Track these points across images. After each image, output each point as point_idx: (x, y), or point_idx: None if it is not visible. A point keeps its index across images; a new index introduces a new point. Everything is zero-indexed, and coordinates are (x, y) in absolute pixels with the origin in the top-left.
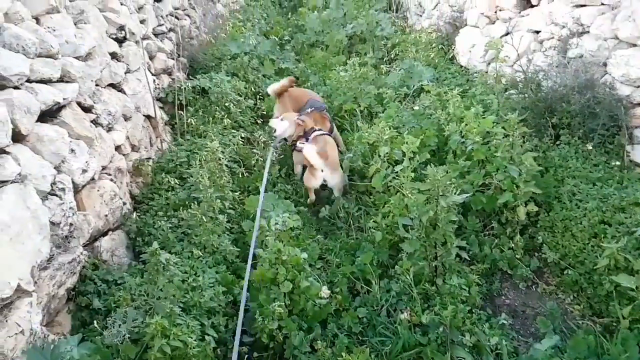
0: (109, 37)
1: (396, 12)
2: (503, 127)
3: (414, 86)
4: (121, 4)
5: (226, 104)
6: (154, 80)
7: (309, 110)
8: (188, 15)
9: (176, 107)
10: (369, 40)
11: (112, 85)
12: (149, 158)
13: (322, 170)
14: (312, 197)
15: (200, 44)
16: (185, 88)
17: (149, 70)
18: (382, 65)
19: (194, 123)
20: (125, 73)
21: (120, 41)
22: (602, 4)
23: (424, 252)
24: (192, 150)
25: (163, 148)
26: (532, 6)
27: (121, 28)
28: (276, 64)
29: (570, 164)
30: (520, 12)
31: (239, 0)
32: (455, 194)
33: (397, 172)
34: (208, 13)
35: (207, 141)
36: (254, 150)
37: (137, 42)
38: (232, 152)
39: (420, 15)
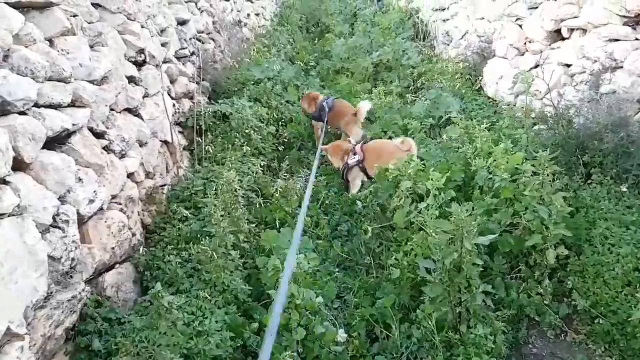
0: (128, 60)
1: (423, 40)
2: (533, 165)
3: (440, 117)
4: (142, 27)
5: (247, 131)
6: (174, 105)
7: None
8: (212, 39)
9: (195, 132)
10: (394, 68)
11: (128, 110)
12: (164, 185)
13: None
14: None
15: (223, 68)
16: (205, 113)
17: (169, 94)
18: (407, 94)
19: (212, 150)
20: (144, 97)
21: (140, 64)
22: (637, 39)
23: (447, 297)
24: (208, 178)
25: (179, 174)
26: (563, 39)
27: (141, 51)
28: (300, 90)
29: (602, 205)
30: (550, 45)
31: (265, 24)
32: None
33: (420, 209)
34: (233, 37)
35: (225, 169)
36: (274, 179)
37: (157, 65)
38: (251, 181)
39: (448, 44)
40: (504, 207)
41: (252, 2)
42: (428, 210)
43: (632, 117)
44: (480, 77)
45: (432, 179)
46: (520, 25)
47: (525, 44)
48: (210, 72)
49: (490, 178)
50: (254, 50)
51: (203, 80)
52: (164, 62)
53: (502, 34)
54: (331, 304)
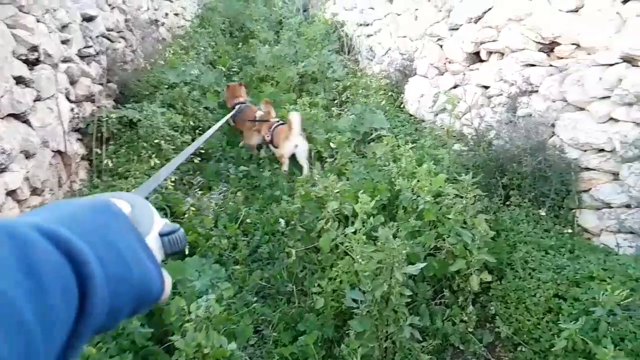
0: (17, 58)
1: (348, 54)
2: (455, 188)
3: (365, 133)
4: (38, 21)
5: (156, 140)
6: (72, 109)
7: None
8: (123, 38)
9: (94, 140)
10: (320, 80)
11: (13, 116)
12: None
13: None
14: (286, 166)
15: (135, 70)
16: (109, 119)
17: (68, 98)
18: (332, 107)
19: (112, 162)
20: (35, 101)
21: (32, 63)
22: (551, 65)
23: (374, 332)
24: None
25: (74, 189)
26: (482, 61)
27: (34, 48)
28: (222, 96)
29: (521, 228)
30: (469, 66)
31: (185, 25)
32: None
33: (347, 234)
34: (147, 37)
35: (128, 184)
36: (187, 196)
37: (54, 65)
38: (159, 198)
39: (371, 60)
40: (427, 229)
41: (171, 2)
42: (355, 234)
43: (547, 141)
44: (402, 94)
45: (360, 202)
46: (441, 46)
47: (445, 64)
48: (119, 74)
49: (414, 199)
50: (170, 51)
51: (110, 82)
52: (64, 61)
53: (423, 52)
54: (247, 342)
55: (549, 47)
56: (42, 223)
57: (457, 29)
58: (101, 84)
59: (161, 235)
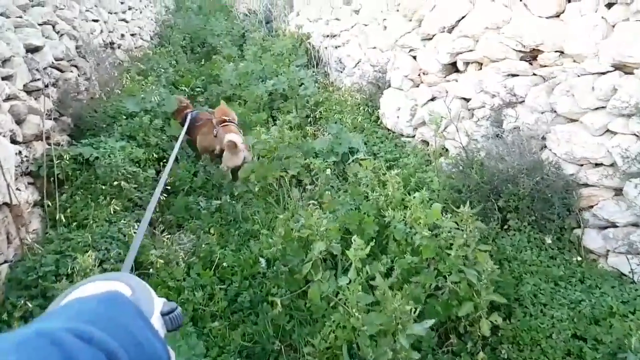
0: None
1: (316, 67)
2: (455, 222)
3: (345, 154)
4: None
5: (116, 182)
6: (20, 152)
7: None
8: (75, 66)
9: (45, 184)
10: (291, 97)
11: None
12: (4, 263)
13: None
14: (230, 176)
15: (91, 98)
16: (62, 160)
17: (14, 139)
18: (307, 126)
19: (68, 209)
20: None
21: None
22: (535, 74)
23: None
24: (63, 252)
25: (25, 246)
26: (459, 71)
27: None
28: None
29: (525, 257)
30: (445, 77)
31: (143, 45)
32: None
33: (340, 285)
34: (102, 62)
35: (87, 235)
36: (154, 239)
37: None
38: (122, 246)
39: (341, 72)
40: (425, 265)
41: (126, 22)
42: (351, 287)
43: (541, 158)
44: (377, 108)
45: (353, 247)
46: (414, 57)
47: (419, 75)
48: (73, 106)
49: (408, 232)
50: (127, 78)
51: (62, 115)
52: (7, 99)
53: (395, 64)
54: None
55: (531, 55)
56: (73, 325)
57: (430, 39)
58: (53, 119)
59: (162, 314)
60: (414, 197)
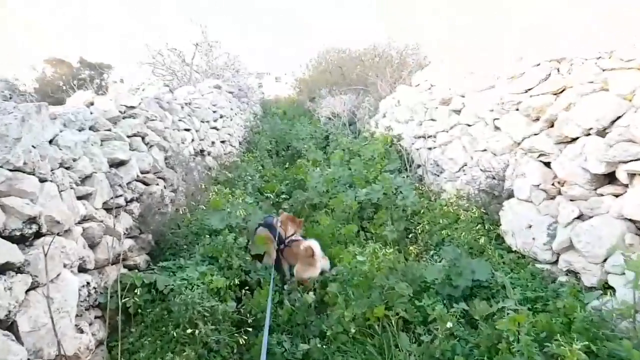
0: (6, 237)
1: (407, 170)
2: None
3: (467, 288)
4: (43, 181)
5: (193, 321)
6: (88, 284)
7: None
8: (162, 178)
9: (107, 322)
10: (385, 207)
11: None
12: None
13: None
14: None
15: (176, 211)
16: (135, 294)
17: (84, 267)
18: (409, 246)
19: (133, 354)
20: (28, 291)
21: (29, 238)
22: None
23: None
24: None
25: None
26: (616, 183)
27: (31, 220)
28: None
29: None
30: (596, 189)
31: (232, 151)
32: None
33: None
34: (191, 172)
35: None
36: None
37: (66, 230)
38: None
39: (438, 175)
40: None
41: (217, 130)
42: None
43: None
44: (494, 223)
45: None
46: (546, 163)
47: (554, 184)
48: (155, 222)
49: None
50: (214, 191)
51: (142, 233)
52: (82, 221)
53: (518, 170)
54: None
55: None
56: None
57: (569, 142)
58: (133, 237)
59: None
60: None
